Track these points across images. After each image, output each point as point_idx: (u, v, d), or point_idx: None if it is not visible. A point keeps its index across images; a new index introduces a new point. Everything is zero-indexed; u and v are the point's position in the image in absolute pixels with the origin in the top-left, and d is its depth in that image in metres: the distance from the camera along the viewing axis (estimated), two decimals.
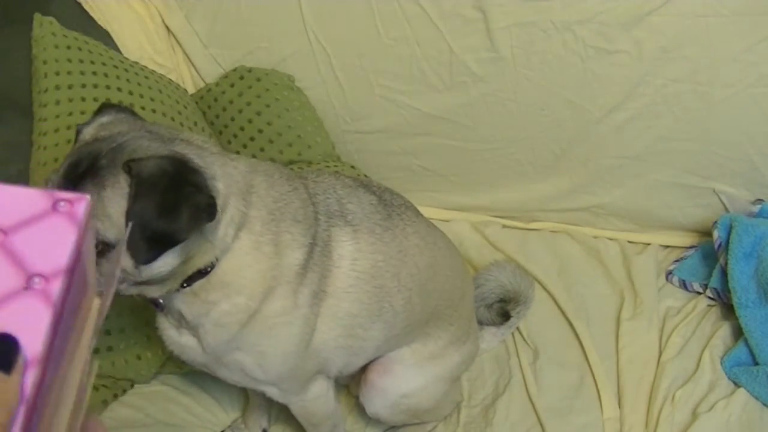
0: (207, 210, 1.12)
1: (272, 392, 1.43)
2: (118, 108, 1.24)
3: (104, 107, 1.23)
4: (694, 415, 1.67)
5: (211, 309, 1.23)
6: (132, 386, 1.72)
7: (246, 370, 1.35)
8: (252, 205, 1.21)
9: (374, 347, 1.47)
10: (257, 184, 1.25)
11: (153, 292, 1.21)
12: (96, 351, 1.64)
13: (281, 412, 1.72)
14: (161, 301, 1.26)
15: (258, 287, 1.24)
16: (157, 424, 1.64)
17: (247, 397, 1.70)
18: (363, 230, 1.38)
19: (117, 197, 1.08)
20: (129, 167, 1.08)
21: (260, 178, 1.27)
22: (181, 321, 1.29)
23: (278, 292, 1.26)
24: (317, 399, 1.47)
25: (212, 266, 1.20)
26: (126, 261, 1.10)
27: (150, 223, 1.07)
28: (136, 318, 1.67)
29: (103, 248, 1.09)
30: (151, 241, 1.08)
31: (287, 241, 1.26)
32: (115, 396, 1.68)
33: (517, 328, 1.92)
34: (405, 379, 1.55)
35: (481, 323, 1.83)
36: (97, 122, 1.19)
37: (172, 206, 1.08)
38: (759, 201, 2.03)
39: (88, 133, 1.17)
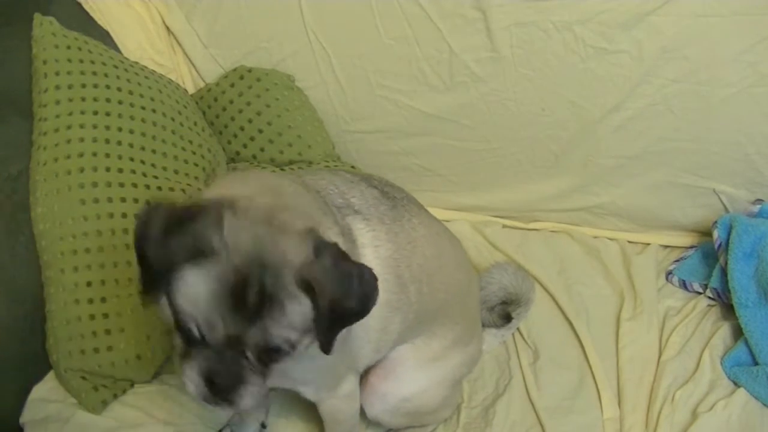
0: (376, 284, 1.16)
1: (307, 391, 1.44)
2: (216, 215, 1.10)
3: (204, 209, 1.10)
4: (694, 415, 1.67)
5: None
6: (132, 386, 1.72)
7: (289, 374, 1.35)
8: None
9: (392, 341, 1.47)
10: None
11: None
12: (96, 351, 1.65)
13: (282, 407, 1.72)
14: None
15: None
16: (157, 423, 1.64)
17: None
18: (374, 220, 1.39)
19: (297, 306, 1.09)
20: (306, 284, 1.08)
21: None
22: None
23: None
24: (347, 396, 1.47)
25: None
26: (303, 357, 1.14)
27: (341, 320, 1.13)
28: (136, 318, 1.67)
29: (286, 353, 1.12)
30: (339, 331, 1.14)
31: (330, 236, 1.26)
32: (115, 396, 1.68)
33: (518, 329, 1.92)
34: (406, 383, 1.54)
35: (482, 324, 1.83)
36: (224, 251, 1.07)
37: (357, 305, 1.14)
38: (759, 201, 2.03)
39: (221, 262, 1.07)
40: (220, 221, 1.08)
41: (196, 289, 1.07)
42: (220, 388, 1.11)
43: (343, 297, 1.11)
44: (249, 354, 1.10)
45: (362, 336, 1.38)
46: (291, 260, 1.09)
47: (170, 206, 1.11)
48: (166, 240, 1.07)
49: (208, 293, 1.07)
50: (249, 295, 1.06)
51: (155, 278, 1.10)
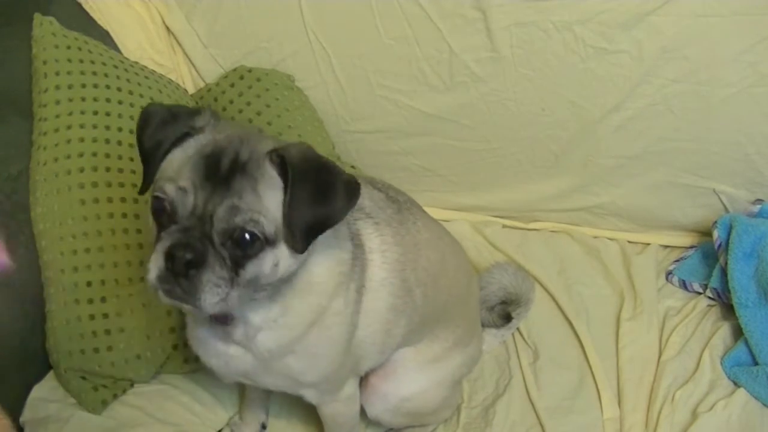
0: (356, 185, 1.13)
1: (310, 395, 1.43)
2: (212, 111, 1.20)
3: (200, 111, 1.19)
4: (694, 415, 1.67)
5: (286, 313, 1.23)
6: (132, 386, 1.72)
7: (293, 374, 1.34)
8: None
9: (396, 344, 1.47)
10: None
11: (262, 297, 1.18)
12: (96, 351, 1.65)
13: (282, 408, 1.72)
14: (235, 315, 1.22)
15: (331, 283, 1.25)
16: (157, 423, 1.64)
17: (243, 394, 1.70)
18: (382, 224, 1.39)
19: (270, 189, 1.09)
20: (279, 157, 1.09)
21: None
22: (233, 334, 1.26)
23: (342, 288, 1.27)
24: (348, 399, 1.47)
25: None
26: (272, 259, 1.10)
27: (310, 209, 1.08)
28: (136, 318, 1.67)
29: (260, 247, 1.08)
30: (309, 228, 1.09)
31: (339, 236, 1.27)
32: (115, 396, 1.68)
33: (518, 329, 1.92)
34: (406, 383, 1.55)
35: (482, 325, 1.83)
36: (207, 129, 1.15)
37: (328, 188, 1.10)
38: (759, 201, 2.03)
39: (204, 139, 1.13)
40: (212, 118, 1.16)
41: (175, 161, 1.11)
42: (180, 265, 1.05)
43: (315, 185, 1.09)
44: (215, 237, 1.07)
45: (367, 338, 1.38)
46: (268, 143, 1.13)
47: (170, 104, 1.16)
48: (161, 129, 1.13)
49: (185, 161, 1.10)
50: (222, 164, 1.08)
51: (149, 167, 1.14)
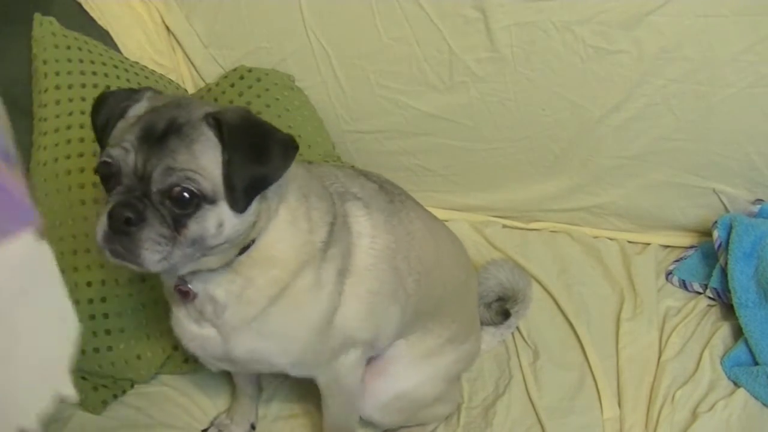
0: (293, 144, 1.17)
1: (295, 371, 1.43)
2: (154, 90, 1.26)
3: (141, 89, 1.25)
4: (694, 415, 1.67)
5: (248, 286, 1.25)
6: (132, 386, 1.72)
7: (269, 359, 1.35)
8: (289, 179, 1.25)
9: (393, 331, 1.47)
10: None
11: (213, 263, 1.21)
12: (96, 351, 1.64)
13: (274, 394, 1.71)
14: (195, 290, 1.25)
15: (293, 261, 1.26)
16: (157, 424, 1.64)
17: (234, 392, 1.69)
18: (373, 208, 1.41)
19: (207, 149, 1.12)
20: (215, 119, 1.13)
21: None
22: (204, 312, 1.29)
23: (309, 267, 1.28)
24: (349, 368, 1.44)
25: (253, 241, 1.22)
26: (215, 218, 1.12)
27: (248, 167, 1.12)
28: (136, 318, 1.67)
29: (198, 204, 1.11)
30: (248, 187, 1.12)
31: (316, 218, 1.30)
32: (115, 396, 1.68)
33: (517, 328, 1.92)
34: (398, 379, 1.55)
35: (480, 323, 1.83)
36: (145, 98, 1.21)
37: (264, 147, 1.14)
38: (759, 201, 2.03)
39: (141, 107, 1.19)
40: (153, 92, 1.23)
41: (118, 130, 1.17)
42: (119, 222, 1.09)
43: (252, 145, 1.13)
44: (154, 196, 1.10)
45: (350, 322, 1.37)
46: (207, 108, 1.16)
47: (122, 88, 1.24)
48: (108, 108, 1.21)
49: (127, 127, 1.15)
50: (158, 125, 1.12)
51: (103, 145, 1.19)
